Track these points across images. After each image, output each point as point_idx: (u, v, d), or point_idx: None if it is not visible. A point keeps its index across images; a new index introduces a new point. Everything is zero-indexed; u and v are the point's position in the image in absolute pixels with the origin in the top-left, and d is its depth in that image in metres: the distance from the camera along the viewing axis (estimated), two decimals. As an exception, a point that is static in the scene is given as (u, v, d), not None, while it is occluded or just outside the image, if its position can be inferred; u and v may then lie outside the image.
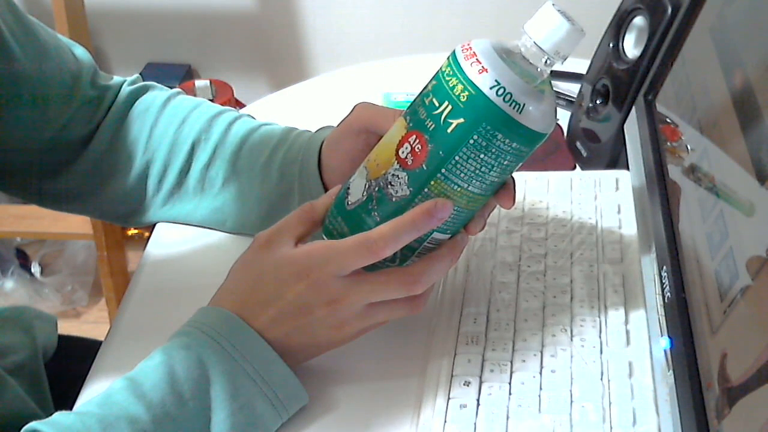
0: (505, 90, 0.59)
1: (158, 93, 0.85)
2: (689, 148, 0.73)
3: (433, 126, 0.61)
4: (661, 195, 0.73)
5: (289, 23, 1.98)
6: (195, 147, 0.80)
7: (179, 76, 1.99)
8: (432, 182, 0.62)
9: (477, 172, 0.62)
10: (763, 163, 0.58)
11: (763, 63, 0.62)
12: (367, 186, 0.64)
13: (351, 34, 1.97)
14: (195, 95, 1.26)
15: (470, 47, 0.61)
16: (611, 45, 0.91)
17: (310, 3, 1.95)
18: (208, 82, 1.80)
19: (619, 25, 0.91)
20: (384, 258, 0.63)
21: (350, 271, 0.64)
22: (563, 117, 0.97)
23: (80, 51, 0.84)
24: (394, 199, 0.63)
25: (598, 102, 0.93)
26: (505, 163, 0.62)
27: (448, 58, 0.62)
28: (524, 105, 0.60)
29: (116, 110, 0.83)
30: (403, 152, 0.63)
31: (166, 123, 0.82)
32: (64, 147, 0.82)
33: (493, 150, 0.61)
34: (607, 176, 0.86)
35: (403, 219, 0.63)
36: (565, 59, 0.62)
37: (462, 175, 0.62)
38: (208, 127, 0.81)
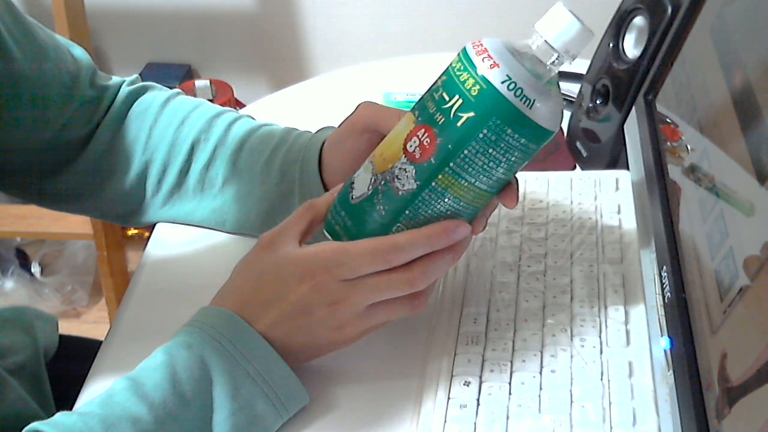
0: (516, 85, 0.60)
1: (158, 93, 0.85)
2: (689, 148, 0.73)
3: (443, 120, 0.61)
4: (661, 195, 0.73)
5: (289, 23, 1.98)
6: (195, 147, 0.80)
7: (179, 76, 1.99)
8: (440, 176, 0.62)
9: (485, 167, 0.62)
10: (763, 163, 0.58)
11: (763, 63, 0.62)
12: (372, 180, 0.64)
13: (351, 34, 1.97)
14: (195, 95, 1.26)
15: (481, 44, 0.62)
16: (611, 45, 0.91)
17: (310, 3, 1.95)
18: (208, 82, 1.80)
19: (619, 25, 0.91)
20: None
21: (358, 275, 0.64)
22: (563, 117, 0.97)
23: (79, 51, 0.84)
24: (400, 193, 0.63)
25: (598, 102, 0.93)
26: (513, 159, 0.62)
27: (458, 55, 0.62)
28: (534, 101, 0.60)
29: (115, 110, 0.83)
30: (411, 146, 0.63)
31: (165, 123, 0.82)
32: (63, 147, 0.82)
33: (502, 145, 0.61)
34: (607, 176, 0.86)
35: (420, 233, 0.63)
36: (574, 59, 0.62)
37: (470, 169, 0.62)
38: (207, 128, 0.81)
